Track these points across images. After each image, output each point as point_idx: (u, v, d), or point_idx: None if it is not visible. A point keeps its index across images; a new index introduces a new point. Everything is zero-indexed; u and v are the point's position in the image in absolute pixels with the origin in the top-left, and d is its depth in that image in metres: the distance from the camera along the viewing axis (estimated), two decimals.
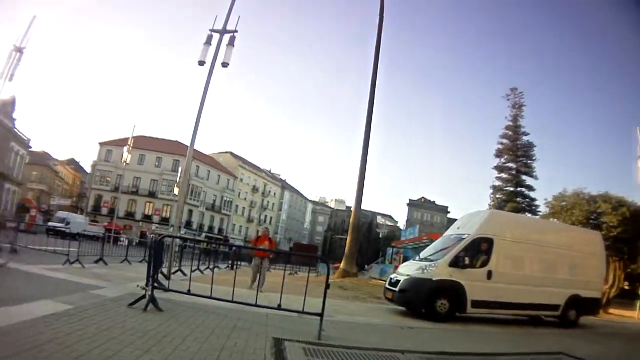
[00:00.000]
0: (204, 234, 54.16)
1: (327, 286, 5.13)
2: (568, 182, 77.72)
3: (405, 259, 17.77)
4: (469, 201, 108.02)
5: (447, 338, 6.82)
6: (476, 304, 8.61)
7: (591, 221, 18.10)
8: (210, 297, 5.58)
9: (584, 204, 18.51)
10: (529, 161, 36.58)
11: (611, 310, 18.00)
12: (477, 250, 9.00)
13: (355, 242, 20.89)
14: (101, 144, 54.14)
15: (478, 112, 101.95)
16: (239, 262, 18.15)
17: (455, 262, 8.64)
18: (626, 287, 24.95)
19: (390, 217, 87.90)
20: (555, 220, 18.49)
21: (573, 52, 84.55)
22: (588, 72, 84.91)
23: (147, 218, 52.61)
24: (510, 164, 37.00)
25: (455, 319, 8.50)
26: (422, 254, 10.11)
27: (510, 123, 37.09)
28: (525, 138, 36.97)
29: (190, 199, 50.10)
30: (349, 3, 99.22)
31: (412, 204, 78.04)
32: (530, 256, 9.71)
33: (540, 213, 27.60)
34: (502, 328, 8.71)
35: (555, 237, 10.49)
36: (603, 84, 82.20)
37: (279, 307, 5.39)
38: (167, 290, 5.99)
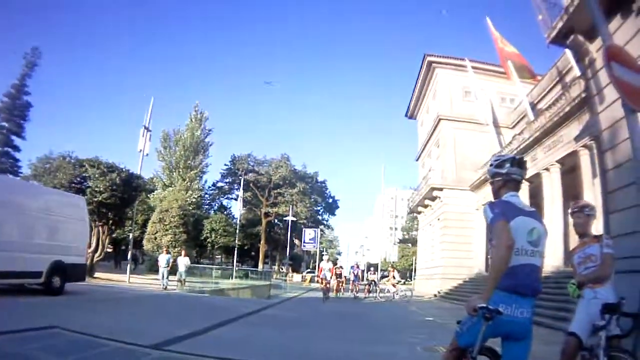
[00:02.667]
0: None
1: None
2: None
3: None
4: None
5: None
6: None
7: (74, 185, 17.25)
8: None
9: (70, 168, 17.60)
10: (21, 121, 35.79)
11: (98, 275, 17.82)
12: None
13: None
14: None
15: None
16: None
17: None
18: (109, 251, 26.11)
19: None
20: (37, 183, 17.21)
21: None
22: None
23: None
24: (4, 124, 35.48)
25: None
26: None
27: (17, 82, 35.46)
28: (25, 98, 35.74)
29: None
30: None
31: None
32: (9, 220, 8.86)
33: (22, 175, 26.86)
34: None
35: (36, 200, 9.85)
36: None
37: None
38: None
